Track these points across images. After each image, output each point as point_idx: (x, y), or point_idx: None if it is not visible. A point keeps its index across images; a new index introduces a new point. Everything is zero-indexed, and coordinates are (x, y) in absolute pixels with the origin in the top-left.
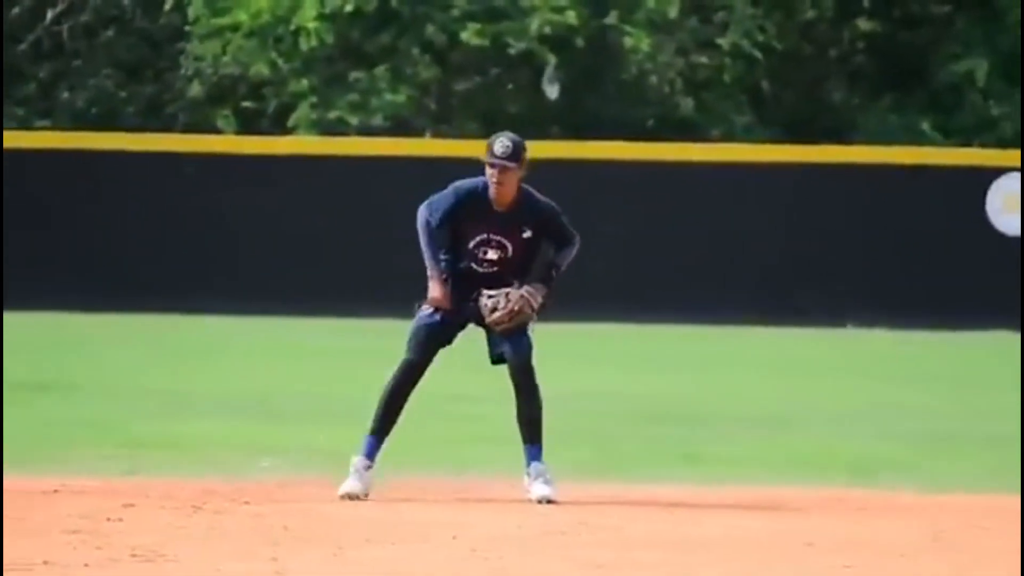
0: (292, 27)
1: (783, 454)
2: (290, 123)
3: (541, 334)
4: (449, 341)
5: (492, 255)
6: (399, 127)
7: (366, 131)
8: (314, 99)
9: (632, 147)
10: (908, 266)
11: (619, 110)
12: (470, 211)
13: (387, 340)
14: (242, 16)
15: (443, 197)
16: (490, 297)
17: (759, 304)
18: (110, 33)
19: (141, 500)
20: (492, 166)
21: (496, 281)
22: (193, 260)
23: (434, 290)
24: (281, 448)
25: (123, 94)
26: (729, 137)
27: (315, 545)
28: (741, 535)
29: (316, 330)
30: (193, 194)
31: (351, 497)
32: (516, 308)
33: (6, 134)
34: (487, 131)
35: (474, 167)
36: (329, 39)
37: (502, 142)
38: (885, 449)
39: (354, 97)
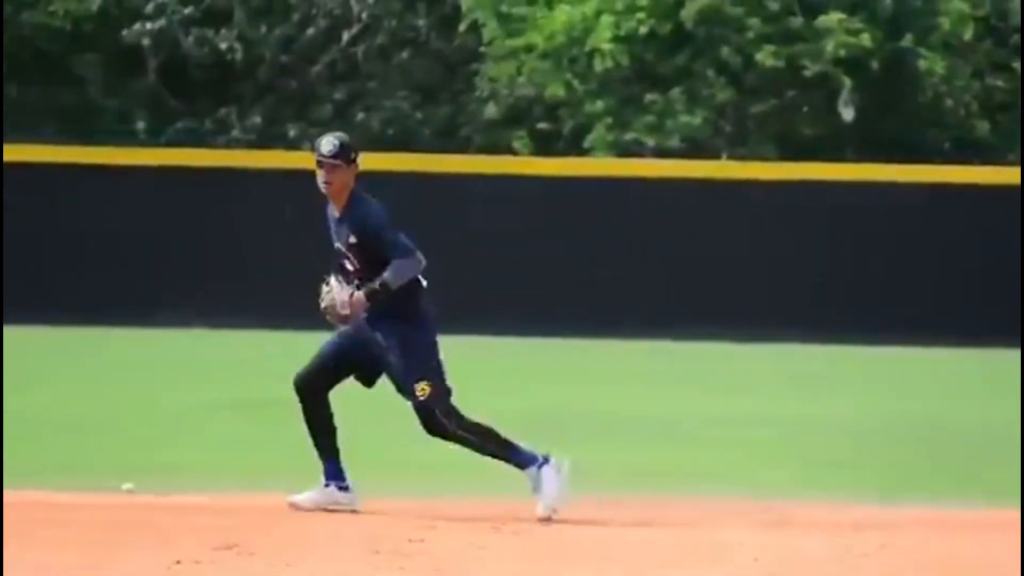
0: (587, 49)
1: None
2: (586, 144)
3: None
4: (358, 360)
5: (347, 265)
6: (695, 149)
7: (663, 153)
8: (609, 120)
9: (925, 170)
10: None
11: (914, 133)
12: (330, 221)
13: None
14: (537, 38)
15: None
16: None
17: None
18: (405, 55)
19: (440, 521)
20: (320, 165)
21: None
22: (486, 282)
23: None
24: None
25: (419, 116)
26: None
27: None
28: None
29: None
30: (484, 215)
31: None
32: (324, 305)
33: (286, 155)
34: (782, 153)
35: (765, 189)
36: (624, 61)
37: (328, 140)
38: None
39: (650, 119)
